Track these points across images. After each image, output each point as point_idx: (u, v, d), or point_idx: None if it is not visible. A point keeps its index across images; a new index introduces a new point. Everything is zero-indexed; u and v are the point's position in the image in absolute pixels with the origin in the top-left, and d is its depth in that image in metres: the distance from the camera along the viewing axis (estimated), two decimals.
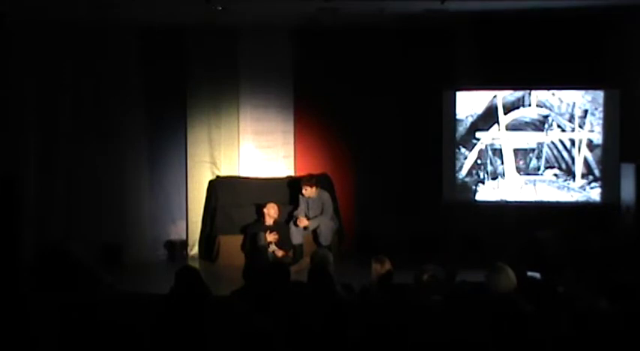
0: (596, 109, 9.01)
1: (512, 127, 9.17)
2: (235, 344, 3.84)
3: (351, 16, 8.75)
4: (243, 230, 9.11)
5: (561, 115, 9.08)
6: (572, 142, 9.07)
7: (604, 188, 8.99)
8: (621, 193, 8.71)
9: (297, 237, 8.95)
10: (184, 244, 9.76)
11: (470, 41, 9.70)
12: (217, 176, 9.82)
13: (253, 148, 10.01)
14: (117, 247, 9.28)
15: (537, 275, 6.12)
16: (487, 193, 9.27)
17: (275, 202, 9.06)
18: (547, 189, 9.13)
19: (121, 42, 9.48)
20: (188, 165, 9.82)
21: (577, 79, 9.15)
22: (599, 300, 4.59)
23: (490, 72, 9.44)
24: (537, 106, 9.12)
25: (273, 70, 9.95)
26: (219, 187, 9.70)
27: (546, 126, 9.10)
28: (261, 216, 9.12)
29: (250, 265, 6.21)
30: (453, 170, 9.33)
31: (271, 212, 8.96)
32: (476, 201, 9.33)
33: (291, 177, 9.85)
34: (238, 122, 9.92)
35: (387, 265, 5.59)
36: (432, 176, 9.45)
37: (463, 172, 9.32)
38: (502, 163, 9.22)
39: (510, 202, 9.21)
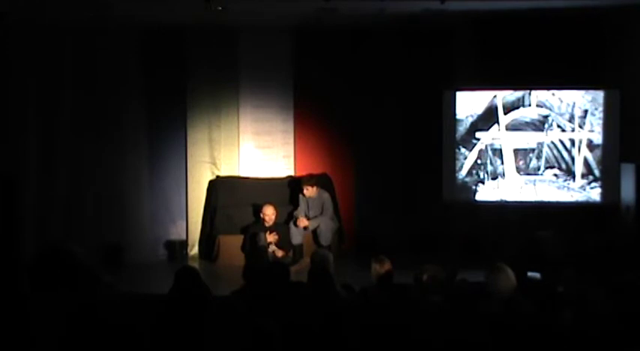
0: (596, 109, 9.00)
1: (512, 127, 9.17)
2: (235, 344, 3.84)
3: (351, 16, 8.75)
4: (244, 230, 9.10)
5: (561, 115, 9.07)
6: (572, 142, 9.07)
7: (604, 188, 8.99)
8: (621, 193, 8.70)
9: (297, 237, 8.94)
10: (184, 244, 9.76)
11: (470, 41, 9.70)
12: (217, 176, 9.83)
13: (253, 148, 10.02)
14: (117, 247, 9.28)
15: (537, 275, 6.12)
16: (487, 193, 9.27)
17: (271, 203, 9.01)
18: (547, 189, 9.13)
19: (121, 42, 9.48)
20: (188, 165, 9.82)
21: (577, 79, 9.15)
22: (599, 300, 4.59)
23: (490, 72, 9.44)
24: (537, 106, 9.12)
25: (273, 70, 9.95)
26: (219, 187, 9.70)
27: (546, 126, 9.10)
28: (260, 216, 9.12)
29: (250, 265, 6.21)
30: (453, 170, 9.32)
31: (268, 213, 8.91)
32: (476, 201, 9.33)
33: (291, 177, 9.86)
34: (238, 122, 9.93)
35: (387, 265, 5.59)
36: (432, 176, 9.44)
37: (463, 172, 9.32)
38: (502, 163, 9.22)
39: (510, 202, 9.21)
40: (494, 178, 9.25)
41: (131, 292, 5.41)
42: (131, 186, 9.56)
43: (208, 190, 9.79)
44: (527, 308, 4.76)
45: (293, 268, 7.13)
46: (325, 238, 8.95)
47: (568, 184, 9.09)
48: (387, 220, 9.78)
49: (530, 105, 9.13)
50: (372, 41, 9.84)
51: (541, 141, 9.13)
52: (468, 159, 9.29)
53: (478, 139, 9.26)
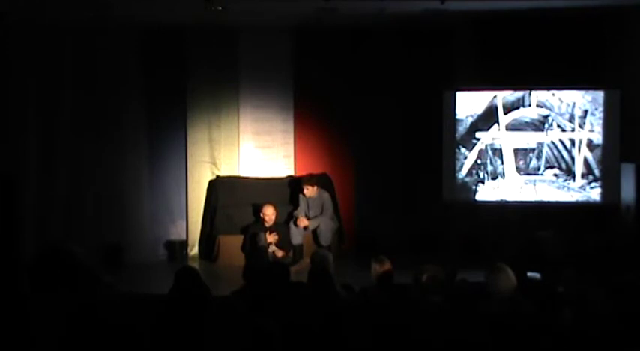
0: (596, 109, 9.00)
1: (512, 127, 9.17)
2: (235, 344, 3.84)
3: (351, 16, 8.75)
4: (244, 230, 9.10)
5: (561, 115, 9.07)
6: (572, 142, 9.07)
7: (604, 188, 8.99)
8: (621, 193, 8.70)
9: (297, 237, 8.94)
10: (184, 244, 9.76)
11: (470, 41, 9.70)
12: (217, 176, 9.83)
13: (253, 148, 10.02)
14: (117, 247, 9.28)
15: (537, 275, 6.12)
16: (487, 193, 9.27)
17: (271, 203, 9.02)
18: (547, 189, 9.13)
19: (121, 42, 9.48)
20: (188, 165, 9.82)
21: (577, 79, 9.15)
22: (599, 300, 4.59)
23: (490, 72, 9.44)
24: (537, 106, 9.12)
25: (273, 70, 9.95)
26: (219, 187, 9.70)
27: (546, 126, 9.10)
28: (260, 216, 9.12)
29: (250, 265, 6.21)
30: (453, 170, 9.32)
31: (268, 213, 8.90)
32: (476, 201, 9.33)
33: (291, 177, 9.86)
34: (238, 122, 9.93)
35: (387, 265, 5.59)
36: (431, 176, 9.44)
37: (463, 172, 9.32)
38: (502, 163, 9.22)
39: (510, 202, 9.21)
40: (494, 178, 9.25)
41: (131, 292, 5.41)
42: (131, 186, 9.56)
43: (208, 190, 9.79)
44: (527, 308, 4.76)
45: (293, 268, 7.12)
46: (325, 238, 8.95)
47: (568, 184, 9.09)
48: (387, 220, 9.78)
49: (530, 105, 9.13)
50: (372, 41, 9.84)
51: (541, 141, 9.13)
52: (468, 159, 9.29)
53: (478, 139, 9.26)
